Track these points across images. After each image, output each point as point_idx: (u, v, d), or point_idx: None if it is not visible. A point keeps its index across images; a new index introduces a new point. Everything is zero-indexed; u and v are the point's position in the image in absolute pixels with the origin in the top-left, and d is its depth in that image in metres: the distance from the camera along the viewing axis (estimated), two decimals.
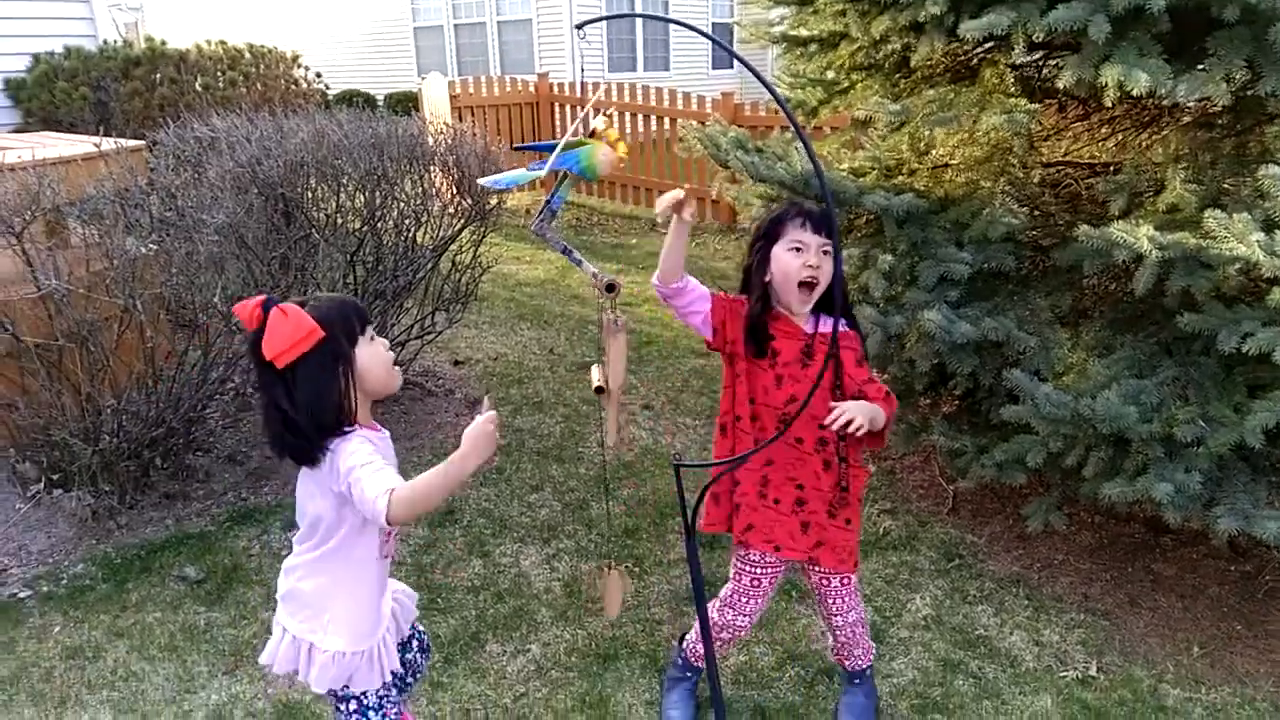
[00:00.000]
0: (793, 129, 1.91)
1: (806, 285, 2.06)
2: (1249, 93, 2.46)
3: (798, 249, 2.06)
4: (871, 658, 2.43)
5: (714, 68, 16.13)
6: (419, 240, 4.14)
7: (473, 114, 9.03)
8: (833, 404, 2.00)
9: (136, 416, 3.27)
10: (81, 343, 3.11)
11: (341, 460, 1.61)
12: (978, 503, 3.51)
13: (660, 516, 3.43)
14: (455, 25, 15.24)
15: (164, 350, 3.34)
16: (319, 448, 1.64)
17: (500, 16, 14.72)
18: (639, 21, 14.68)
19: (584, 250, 6.91)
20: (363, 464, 1.59)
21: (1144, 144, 3.16)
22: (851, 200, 2.87)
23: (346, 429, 1.67)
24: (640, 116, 8.96)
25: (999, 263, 2.79)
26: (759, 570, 2.24)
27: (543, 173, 1.92)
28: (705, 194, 8.10)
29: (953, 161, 3.29)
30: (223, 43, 9.90)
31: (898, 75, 3.32)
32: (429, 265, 4.19)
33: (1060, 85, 2.58)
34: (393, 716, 1.90)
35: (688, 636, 2.46)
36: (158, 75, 8.92)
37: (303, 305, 1.64)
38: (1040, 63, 3.21)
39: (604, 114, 2.09)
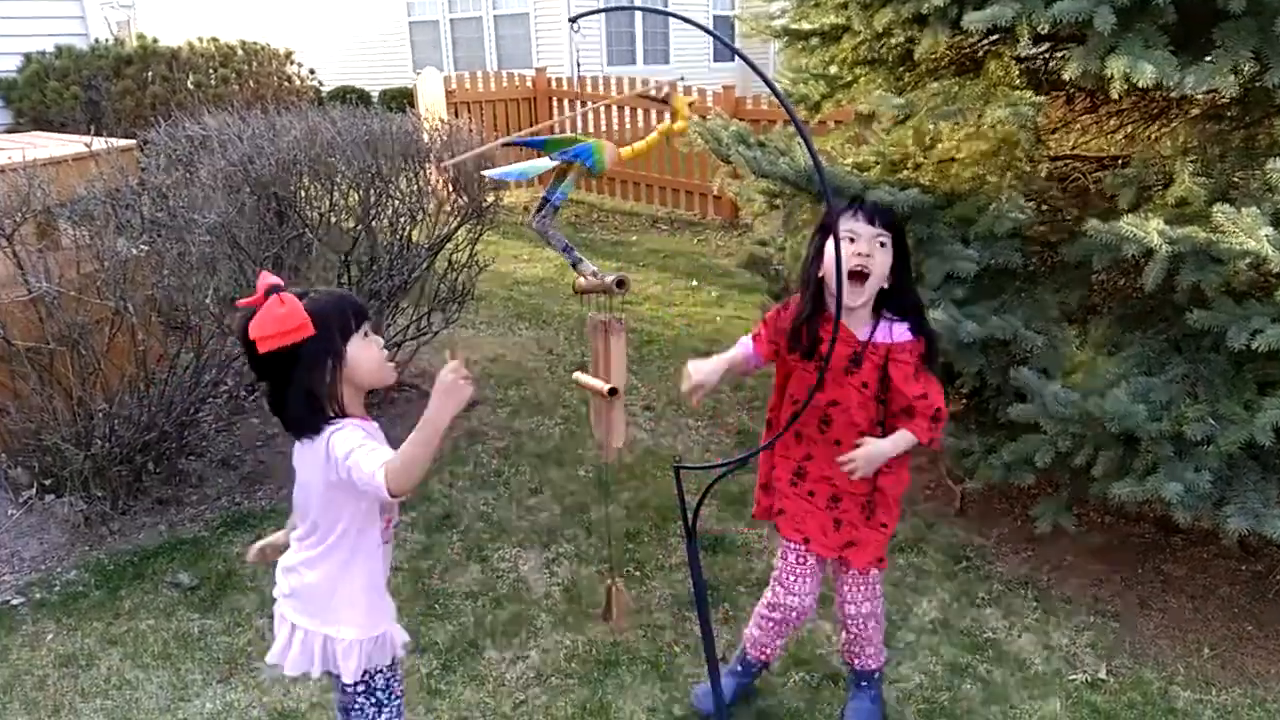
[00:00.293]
0: (793, 124, 1.88)
1: (857, 275, 2.02)
2: (1257, 84, 2.43)
3: (850, 239, 2.03)
4: (882, 661, 2.39)
5: (715, 60, 16.05)
6: (414, 239, 4.09)
7: (469, 109, 8.96)
8: (840, 458, 2.10)
9: (128, 420, 3.22)
10: (73, 346, 3.07)
11: (337, 449, 1.64)
12: (986, 504, 3.47)
13: (661, 519, 3.39)
14: (451, 20, 15.16)
15: (156, 353, 3.29)
16: (311, 424, 1.69)
17: (496, 10, 14.64)
18: (638, 14, 14.58)
19: (583, 248, 6.85)
20: (358, 446, 1.63)
21: (1152, 137, 3.12)
22: (856, 195, 2.82)
23: (338, 419, 1.69)
24: (639, 111, 8.89)
25: (1006, 259, 2.75)
26: (803, 547, 2.25)
27: (555, 163, 1.93)
28: (707, 190, 8.05)
29: (958, 156, 3.25)
30: (215, 40, 9.84)
31: (901, 69, 3.28)
32: (425, 264, 4.14)
33: (1066, 77, 2.54)
34: (399, 694, 1.90)
35: (746, 630, 2.45)
36: (149, 74, 8.86)
37: (303, 296, 1.67)
38: (1046, 55, 3.17)
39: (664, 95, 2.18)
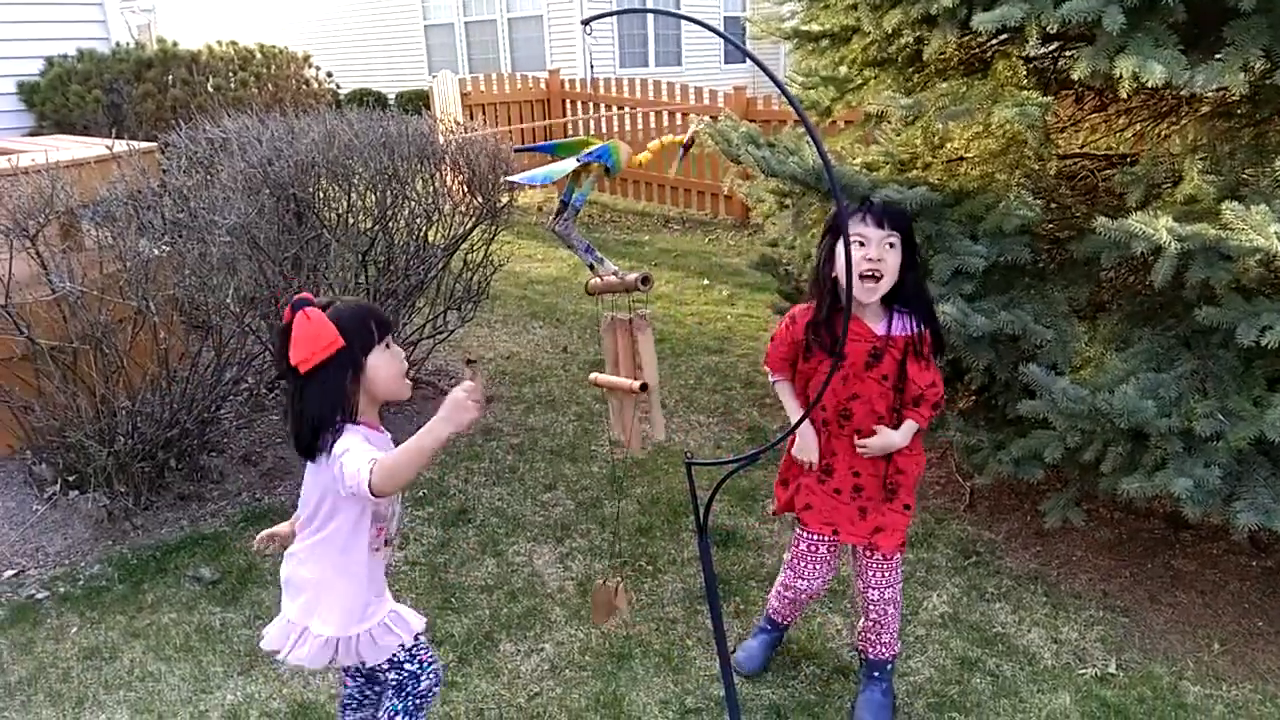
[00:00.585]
0: (803, 125, 1.91)
1: (869, 278, 2.11)
2: (1267, 82, 2.43)
3: (860, 243, 2.11)
4: (895, 651, 2.42)
5: (726, 62, 16.07)
6: (430, 239, 4.14)
7: (484, 111, 9.02)
8: (859, 442, 2.22)
9: (151, 418, 3.28)
10: (96, 344, 3.13)
11: (335, 446, 1.69)
12: (995, 499, 3.48)
13: (674, 515, 3.42)
14: (466, 23, 15.22)
15: (178, 351, 3.35)
16: (318, 442, 1.73)
17: (511, 13, 14.70)
18: (650, 16, 14.61)
19: (596, 247, 6.90)
20: (354, 445, 1.67)
21: (1161, 135, 3.12)
22: (864, 195, 2.84)
23: (345, 425, 1.73)
24: (652, 112, 8.92)
25: (1015, 255, 2.77)
26: (816, 538, 2.35)
27: (575, 165, 1.97)
28: (718, 190, 8.07)
29: (967, 155, 3.26)
30: (234, 44, 9.93)
31: (910, 69, 3.29)
32: (440, 264, 4.19)
33: (1075, 77, 2.55)
34: (427, 659, 1.97)
35: (768, 598, 2.62)
36: (170, 77, 8.94)
37: (326, 308, 1.71)
38: (1055, 54, 3.18)
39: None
